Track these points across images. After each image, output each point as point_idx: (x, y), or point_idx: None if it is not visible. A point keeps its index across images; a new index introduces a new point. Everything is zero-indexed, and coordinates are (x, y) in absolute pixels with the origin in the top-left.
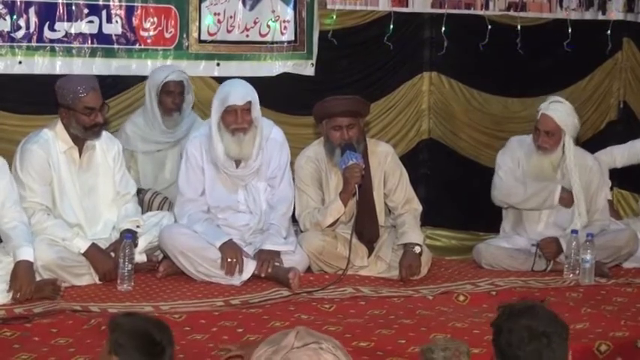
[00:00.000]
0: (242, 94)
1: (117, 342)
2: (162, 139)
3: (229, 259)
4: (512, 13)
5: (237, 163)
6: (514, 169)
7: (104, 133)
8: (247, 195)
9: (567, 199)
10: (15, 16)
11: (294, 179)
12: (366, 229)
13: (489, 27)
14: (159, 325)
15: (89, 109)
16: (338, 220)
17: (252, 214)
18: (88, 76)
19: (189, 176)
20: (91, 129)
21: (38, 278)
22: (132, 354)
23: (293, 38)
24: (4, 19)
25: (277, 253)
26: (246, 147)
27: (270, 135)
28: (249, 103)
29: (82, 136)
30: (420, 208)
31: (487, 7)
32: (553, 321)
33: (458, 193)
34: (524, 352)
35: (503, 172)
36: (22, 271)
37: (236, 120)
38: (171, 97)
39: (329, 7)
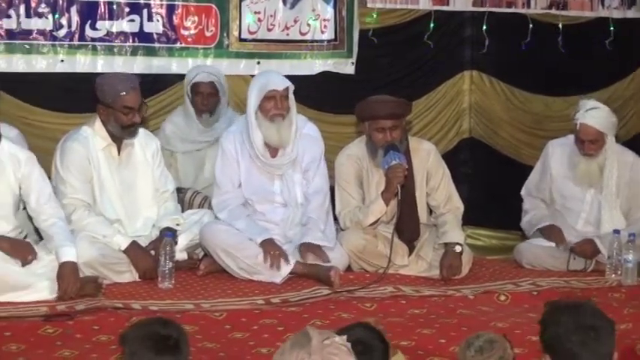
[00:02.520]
0: (281, 79)
1: (130, 352)
2: (200, 139)
3: (272, 252)
4: (553, 11)
5: (274, 154)
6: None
7: (142, 130)
8: (283, 186)
9: (588, 249)
10: (57, 15)
11: (332, 176)
12: (407, 228)
13: (531, 25)
14: (164, 322)
15: (128, 109)
16: (379, 219)
17: (288, 206)
18: (129, 75)
19: (225, 168)
20: (128, 128)
21: (80, 275)
22: (149, 357)
23: (333, 37)
24: (47, 18)
25: (318, 247)
26: (285, 133)
27: (303, 130)
28: (287, 89)
29: (119, 134)
30: (461, 207)
31: (529, 6)
32: (599, 315)
33: (499, 192)
34: (571, 342)
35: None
36: (67, 272)
37: (275, 105)
38: (201, 97)
39: (369, 5)
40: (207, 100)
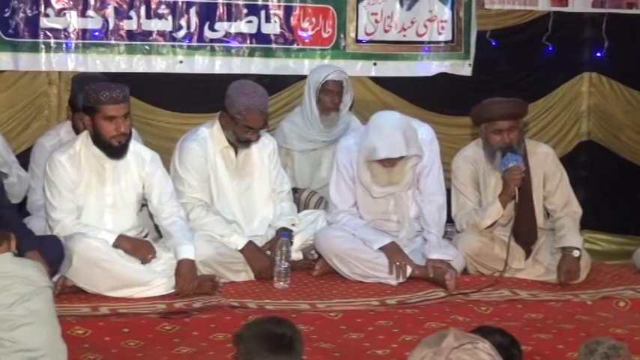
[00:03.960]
0: (393, 148)
1: (245, 351)
2: (319, 138)
3: (397, 263)
4: None
5: None
6: None
7: None
8: (396, 205)
9: None
10: (176, 16)
11: (447, 178)
12: (524, 231)
13: None
14: (278, 321)
15: (249, 128)
16: (496, 222)
17: (400, 223)
18: (260, 95)
19: (341, 187)
20: (245, 142)
21: (197, 274)
22: (264, 355)
23: (450, 38)
24: (166, 19)
25: (444, 262)
26: (397, 177)
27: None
28: (403, 157)
29: (235, 143)
30: (579, 211)
31: None
32: None
33: (618, 196)
34: None
35: None
36: (185, 270)
37: (388, 163)
38: (330, 96)
39: (487, 6)
40: (336, 98)
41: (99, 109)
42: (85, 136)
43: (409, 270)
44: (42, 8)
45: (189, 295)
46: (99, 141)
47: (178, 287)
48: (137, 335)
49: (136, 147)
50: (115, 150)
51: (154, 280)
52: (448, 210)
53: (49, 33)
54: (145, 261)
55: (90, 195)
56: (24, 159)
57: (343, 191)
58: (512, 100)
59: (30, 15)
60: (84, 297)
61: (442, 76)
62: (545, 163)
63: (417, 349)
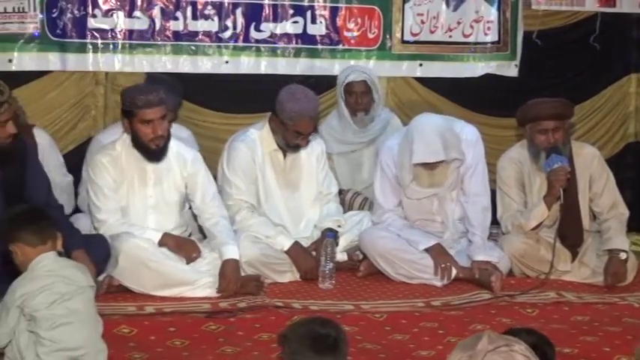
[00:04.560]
0: (430, 152)
1: (291, 351)
2: (355, 140)
3: (442, 265)
4: None
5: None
6: None
7: None
8: (439, 206)
9: None
10: (222, 17)
11: (492, 180)
12: (569, 233)
13: None
14: (323, 321)
15: (299, 134)
16: (541, 223)
17: (444, 224)
18: (311, 100)
19: (385, 188)
20: (294, 147)
21: (242, 274)
22: (308, 356)
23: (497, 39)
24: (212, 20)
25: (489, 262)
26: (439, 179)
27: (462, 135)
28: (443, 161)
29: (283, 147)
30: (626, 213)
31: None
32: None
33: None
34: None
35: None
36: (229, 270)
37: (428, 166)
38: (354, 97)
39: (534, 7)
40: (361, 99)
41: (135, 112)
42: (126, 138)
43: (454, 271)
44: (89, 9)
45: (233, 295)
46: (137, 144)
47: (222, 287)
48: (182, 334)
49: (178, 148)
50: (153, 153)
51: (198, 280)
52: (493, 211)
53: (96, 33)
54: (189, 259)
55: (132, 196)
56: (71, 158)
57: (388, 191)
58: (558, 100)
59: (78, 16)
60: (130, 296)
61: (487, 77)
62: (591, 165)
63: (452, 352)
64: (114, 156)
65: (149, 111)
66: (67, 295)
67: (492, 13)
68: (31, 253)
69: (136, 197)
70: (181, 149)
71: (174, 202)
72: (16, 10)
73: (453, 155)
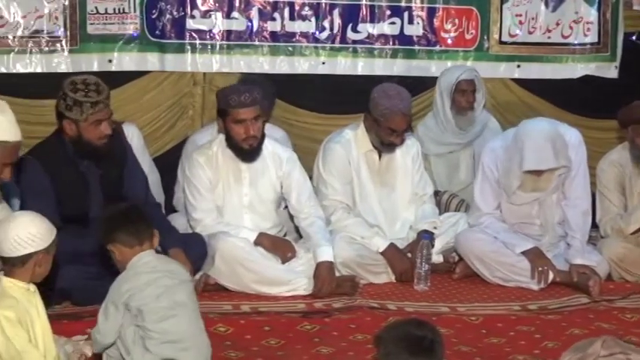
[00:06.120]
0: (542, 160)
1: (385, 352)
2: (454, 141)
3: (540, 268)
4: None
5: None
6: None
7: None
8: (540, 209)
9: None
10: (319, 18)
11: (593, 183)
12: None
13: None
14: (418, 323)
15: (392, 131)
16: None
17: (544, 227)
18: (404, 98)
19: (485, 190)
20: (389, 145)
21: (337, 274)
22: (404, 358)
23: (596, 40)
24: (310, 21)
25: (589, 267)
26: (544, 184)
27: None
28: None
29: (378, 146)
30: None
31: None
32: None
33: None
34: None
35: None
36: (323, 272)
37: (535, 173)
38: (465, 95)
39: (635, 7)
40: (470, 97)
41: (229, 112)
42: (221, 138)
43: (551, 275)
44: (188, 10)
45: (328, 295)
46: (231, 144)
47: (316, 289)
48: (278, 334)
49: (274, 147)
50: (247, 153)
51: (293, 280)
52: (593, 215)
53: (194, 34)
54: (284, 259)
55: (228, 195)
56: (167, 158)
57: (488, 194)
58: None
59: (176, 16)
60: (225, 295)
61: (586, 79)
62: None
63: (566, 352)
64: (210, 155)
65: (242, 111)
66: (172, 288)
67: (592, 14)
68: (128, 254)
69: (232, 197)
70: (277, 148)
71: (270, 202)
72: (117, 11)
73: (563, 162)
